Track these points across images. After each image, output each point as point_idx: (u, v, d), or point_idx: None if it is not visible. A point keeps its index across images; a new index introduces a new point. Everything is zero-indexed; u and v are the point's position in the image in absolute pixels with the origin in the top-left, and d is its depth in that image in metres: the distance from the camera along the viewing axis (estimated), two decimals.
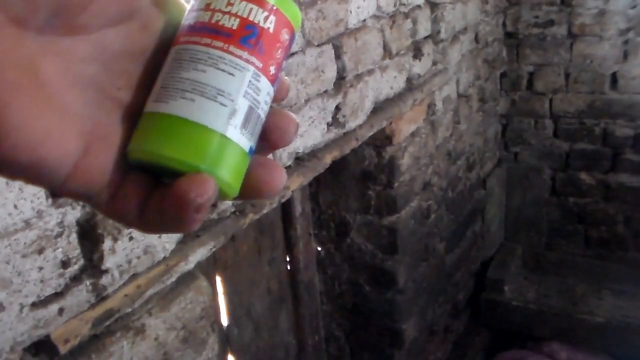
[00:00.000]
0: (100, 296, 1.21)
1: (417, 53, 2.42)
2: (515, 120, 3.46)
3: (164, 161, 0.37)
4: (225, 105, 0.37)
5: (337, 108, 1.93)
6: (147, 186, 0.38)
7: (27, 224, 1.05)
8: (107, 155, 0.36)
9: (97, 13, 0.34)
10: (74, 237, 1.15)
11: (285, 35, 0.41)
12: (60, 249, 1.12)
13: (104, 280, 1.21)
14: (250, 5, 0.39)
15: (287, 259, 2.33)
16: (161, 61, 0.39)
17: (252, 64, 0.39)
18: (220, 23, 0.38)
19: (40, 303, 1.09)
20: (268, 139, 0.41)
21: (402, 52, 2.29)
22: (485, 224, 3.36)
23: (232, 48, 0.38)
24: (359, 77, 2.02)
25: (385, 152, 2.30)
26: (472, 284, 3.31)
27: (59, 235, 1.11)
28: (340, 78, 1.93)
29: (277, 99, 0.41)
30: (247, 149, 0.39)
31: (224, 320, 2.00)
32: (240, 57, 0.38)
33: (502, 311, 3.23)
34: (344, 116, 1.96)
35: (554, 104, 3.36)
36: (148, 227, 0.38)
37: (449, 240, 2.91)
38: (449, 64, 2.70)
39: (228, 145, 0.38)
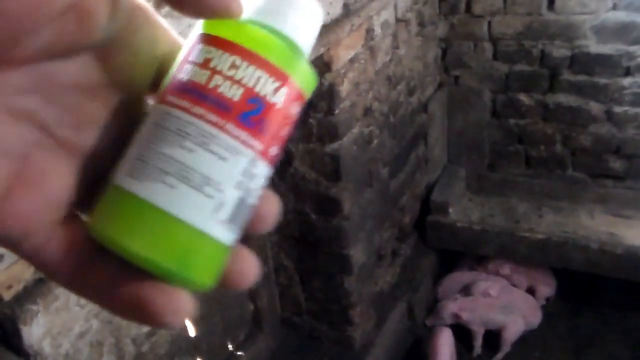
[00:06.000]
0: None
1: None
2: (455, 44, 3.47)
3: (129, 256, 0.31)
4: (211, 197, 0.31)
5: None
6: (89, 246, 0.32)
7: None
8: (34, 200, 0.31)
9: (35, 47, 0.28)
10: None
11: (294, 109, 0.34)
12: None
13: None
14: (260, 72, 0.32)
15: None
16: (127, 103, 0.33)
17: (251, 147, 0.32)
18: (219, 90, 0.31)
19: None
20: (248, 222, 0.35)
21: None
22: (428, 148, 3.40)
23: (229, 126, 0.31)
24: None
25: (324, 79, 2.29)
26: (418, 208, 3.37)
27: None
28: None
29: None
30: (230, 243, 0.33)
31: None
32: (237, 139, 0.31)
33: (447, 233, 3.30)
34: None
35: (492, 26, 3.37)
36: (82, 292, 0.33)
37: (393, 165, 2.94)
38: None
39: (208, 244, 0.32)
